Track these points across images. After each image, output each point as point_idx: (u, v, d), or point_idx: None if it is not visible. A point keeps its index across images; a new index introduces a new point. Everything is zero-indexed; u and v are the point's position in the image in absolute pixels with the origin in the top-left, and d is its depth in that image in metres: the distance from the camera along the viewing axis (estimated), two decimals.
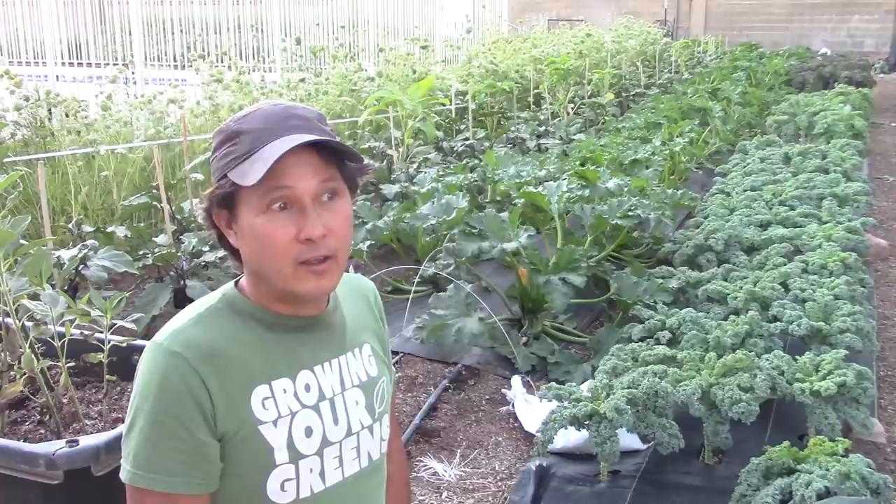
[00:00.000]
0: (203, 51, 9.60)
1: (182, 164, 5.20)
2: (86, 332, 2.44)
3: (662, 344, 3.31)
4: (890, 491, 2.33)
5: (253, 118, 1.19)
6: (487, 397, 3.60)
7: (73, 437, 2.11)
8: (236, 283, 1.28)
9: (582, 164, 5.72)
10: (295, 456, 1.19)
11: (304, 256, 1.17)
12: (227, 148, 1.18)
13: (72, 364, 2.39)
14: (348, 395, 1.28)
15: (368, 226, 4.69)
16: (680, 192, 5.47)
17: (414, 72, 8.54)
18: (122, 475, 1.16)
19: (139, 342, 2.45)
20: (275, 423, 1.18)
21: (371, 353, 1.35)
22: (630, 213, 4.55)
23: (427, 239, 4.63)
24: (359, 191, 1.29)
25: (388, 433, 1.35)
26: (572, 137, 7.88)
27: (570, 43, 12.45)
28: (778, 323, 3.45)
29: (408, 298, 4.20)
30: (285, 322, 1.24)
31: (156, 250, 4.19)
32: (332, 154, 1.19)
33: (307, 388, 1.23)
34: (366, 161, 1.24)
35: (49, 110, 5.44)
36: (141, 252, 4.26)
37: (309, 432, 1.21)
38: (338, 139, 1.21)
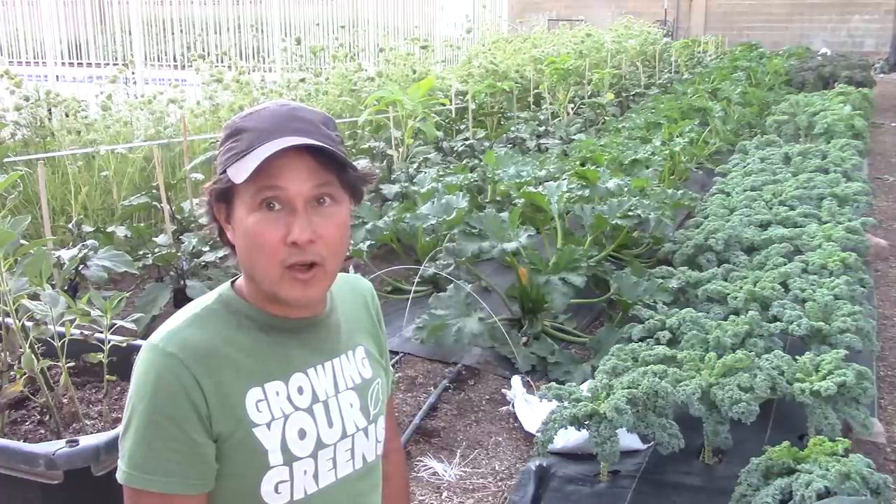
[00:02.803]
0: (203, 51, 9.60)
1: (182, 164, 5.20)
2: (86, 332, 2.44)
3: (662, 344, 3.31)
4: (890, 491, 2.33)
5: (257, 117, 1.19)
6: (487, 397, 3.60)
7: (73, 437, 2.11)
8: (233, 283, 1.27)
9: (582, 164, 5.72)
10: (289, 458, 1.19)
11: (291, 260, 1.16)
12: (229, 143, 1.19)
13: (72, 364, 2.38)
14: (342, 398, 1.27)
15: (368, 226, 4.69)
16: (680, 192, 5.47)
17: (414, 72, 8.53)
18: (119, 475, 1.15)
19: (139, 342, 2.45)
20: (268, 425, 1.18)
21: (365, 355, 1.34)
22: (630, 213, 4.55)
23: (427, 239, 4.63)
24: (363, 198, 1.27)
25: (383, 435, 1.35)
26: (572, 137, 7.87)
27: (570, 43, 12.44)
28: (778, 323, 3.45)
29: (408, 298, 4.20)
30: (280, 324, 1.24)
31: (156, 250, 4.19)
32: (331, 159, 1.17)
33: (300, 390, 1.23)
34: (367, 169, 1.22)
35: (49, 110, 5.44)
36: (141, 252, 4.26)
37: (302, 435, 1.21)
38: (340, 145, 1.20)
